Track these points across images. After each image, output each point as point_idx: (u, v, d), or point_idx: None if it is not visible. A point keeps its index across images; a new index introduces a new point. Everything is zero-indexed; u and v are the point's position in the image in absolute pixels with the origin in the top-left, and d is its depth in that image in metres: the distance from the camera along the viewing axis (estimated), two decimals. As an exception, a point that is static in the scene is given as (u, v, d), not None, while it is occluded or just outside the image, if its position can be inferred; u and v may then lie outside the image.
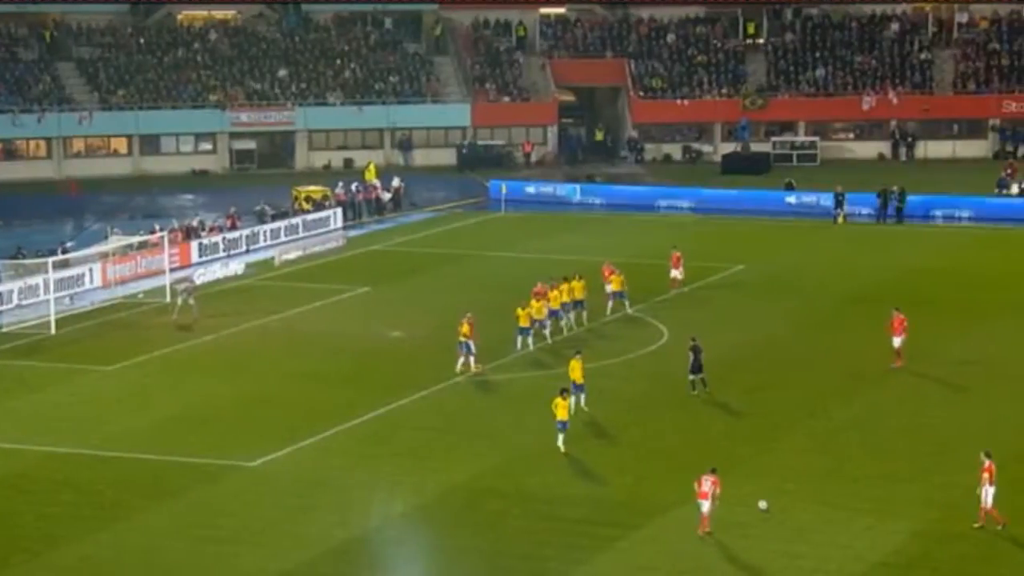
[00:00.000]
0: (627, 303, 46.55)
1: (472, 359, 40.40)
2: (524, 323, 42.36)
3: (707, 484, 29.87)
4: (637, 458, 34.12)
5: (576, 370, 37.46)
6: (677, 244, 51.96)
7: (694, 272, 53.11)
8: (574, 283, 45.29)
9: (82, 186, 73.15)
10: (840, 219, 65.27)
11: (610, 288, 46.55)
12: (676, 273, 50.40)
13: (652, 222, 67.43)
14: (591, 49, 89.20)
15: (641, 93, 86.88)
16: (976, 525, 29.49)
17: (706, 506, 29.70)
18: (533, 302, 43.12)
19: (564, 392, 34.93)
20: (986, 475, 29.47)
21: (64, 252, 52.76)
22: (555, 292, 44.43)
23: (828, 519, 30.31)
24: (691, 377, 38.50)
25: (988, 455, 29.82)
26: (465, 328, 40.32)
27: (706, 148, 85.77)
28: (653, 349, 42.95)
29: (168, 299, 50.09)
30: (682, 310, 48.11)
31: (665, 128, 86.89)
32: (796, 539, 29.37)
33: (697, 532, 29.70)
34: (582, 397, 36.97)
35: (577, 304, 45.02)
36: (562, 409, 34.30)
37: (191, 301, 47.36)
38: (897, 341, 40.80)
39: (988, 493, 29.39)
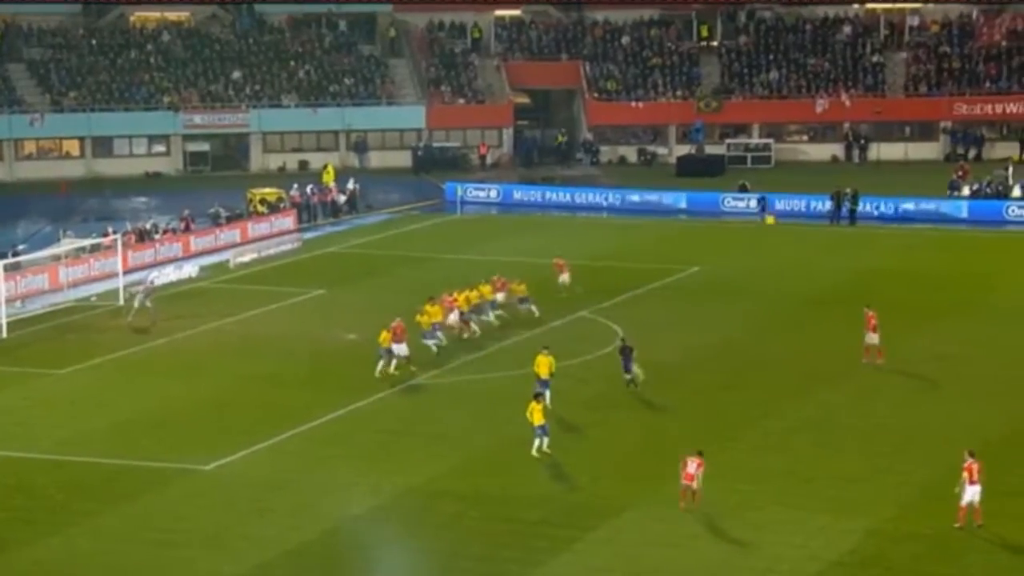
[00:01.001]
0: (533, 308, 46.49)
1: (396, 362, 40.03)
2: (427, 328, 42.22)
3: (692, 466, 30.22)
4: (594, 459, 34.15)
5: (543, 365, 37.49)
6: (561, 252, 51.98)
7: (650, 273, 53.32)
8: (482, 288, 45.67)
9: (72, 187, 72.28)
10: (840, 222, 65.02)
11: (499, 295, 46.32)
12: (565, 278, 50.19)
13: (606, 224, 67.62)
14: (546, 51, 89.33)
15: (596, 95, 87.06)
16: (956, 525, 29.52)
17: (693, 485, 30.22)
18: (428, 307, 42.75)
19: (539, 396, 34.85)
20: (966, 474, 29.60)
21: (15, 255, 52.24)
22: (461, 296, 44.64)
23: (783, 519, 30.45)
24: (626, 376, 38.95)
25: (972, 454, 29.96)
26: (383, 335, 40.13)
27: (661, 150, 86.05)
28: (609, 351, 42.99)
29: (122, 302, 49.74)
30: (638, 311, 48.23)
31: (620, 130, 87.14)
32: (751, 539, 29.47)
33: (680, 506, 30.17)
34: (547, 395, 36.98)
35: (493, 304, 45.58)
36: (538, 413, 34.08)
37: (148, 303, 47.05)
38: (873, 338, 41.12)
39: (971, 492, 29.44)
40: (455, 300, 44.55)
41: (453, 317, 43.85)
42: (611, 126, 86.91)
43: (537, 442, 34.05)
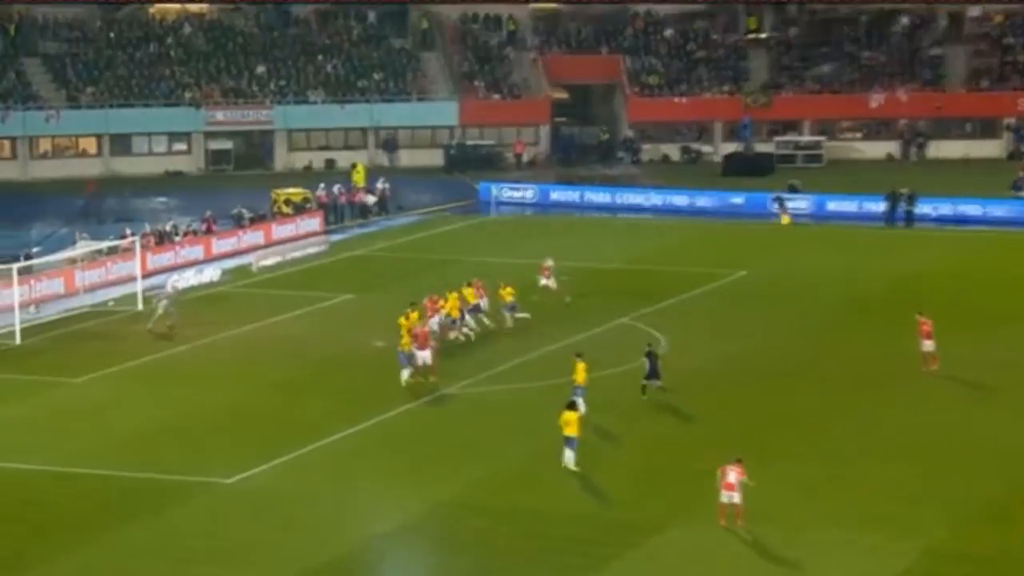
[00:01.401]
0: (512, 316, 46.63)
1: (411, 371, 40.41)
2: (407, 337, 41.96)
3: (732, 475, 30.17)
4: (631, 472, 34.27)
5: (580, 372, 37.70)
6: (550, 253, 52.13)
7: (693, 278, 53.43)
8: (464, 291, 46.01)
9: (100, 186, 72.87)
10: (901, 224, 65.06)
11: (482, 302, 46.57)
12: (550, 282, 50.36)
13: (648, 226, 67.74)
14: (585, 44, 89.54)
15: (637, 90, 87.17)
16: None
17: (734, 497, 30.02)
18: (411, 313, 43.00)
19: (573, 405, 34.96)
20: None
21: (28, 258, 52.76)
22: (444, 302, 44.92)
23: (831, 538, 30.44)
24: (643, 383, 39.12)
25: None
26: (404, 340, 40.45)
27: (706, 148, 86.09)
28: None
29: (140, 307, 50.23)
30: (680, 317, 48.34)
31: (663, 127, 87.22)
32: (798, 559, 29.49)
33: (719, 522, 30.06)
34: (580, 403, 37.17)
35: (474, 309, 45.81)
36: (570, 425, 34.04)
37: (172, 309, 47.47)
38: (928, 345, 41.09)
39: None
40: (440, 306, 44.58)
41: (433, 323, 43.64)
42: (653, 123, 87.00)
43: (568, 454, 34.16)
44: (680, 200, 71.56)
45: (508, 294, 47.12)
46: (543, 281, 50.57)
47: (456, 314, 45.11)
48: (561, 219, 69.37)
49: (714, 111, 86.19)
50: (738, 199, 70.22)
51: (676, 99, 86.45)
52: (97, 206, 70.12)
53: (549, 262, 50.90)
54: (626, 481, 33.74)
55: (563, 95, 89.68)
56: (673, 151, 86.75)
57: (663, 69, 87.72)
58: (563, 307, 49.65)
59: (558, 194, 74.40)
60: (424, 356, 40.69)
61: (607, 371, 40.85)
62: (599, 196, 73.24)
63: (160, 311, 47.22)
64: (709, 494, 31.10)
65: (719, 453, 32.75)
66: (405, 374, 40.48)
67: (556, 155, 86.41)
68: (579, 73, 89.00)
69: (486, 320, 46.21)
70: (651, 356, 39.69)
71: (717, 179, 78.17)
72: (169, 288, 49.51)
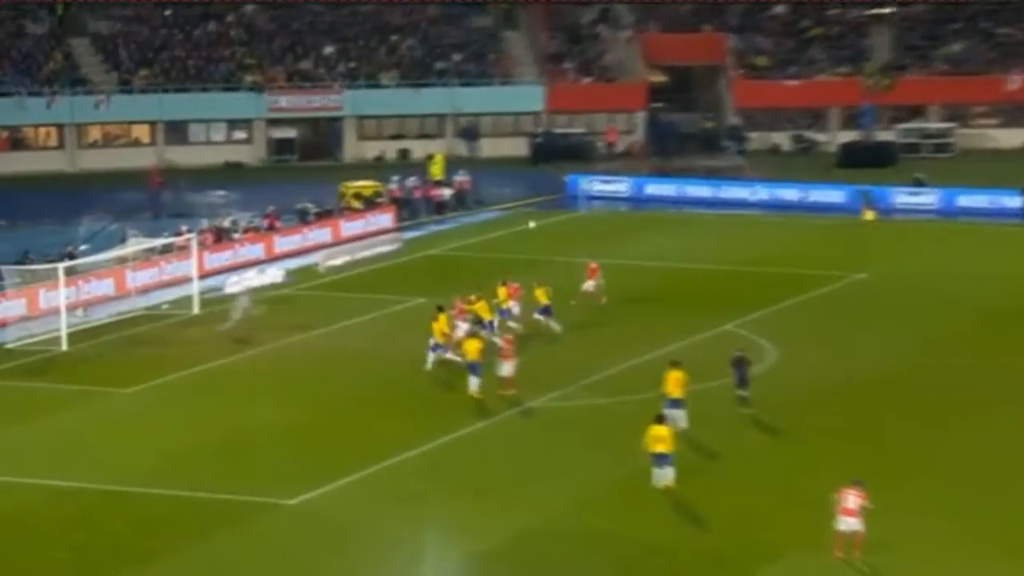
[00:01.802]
0: (551, 321, 46.88)
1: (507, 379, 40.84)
2: (440, 339, 42.95)
3: (852, 500, 29.90)
4: (736, 494, 34.11)
5: (673, 383, 37.56)
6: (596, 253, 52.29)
7: (806, 281, 53.08)
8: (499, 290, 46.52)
9: (166, 177, 73.72)
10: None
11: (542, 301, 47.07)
12: (589, 285, 50.30)
13: (755, 223, 67.43)
14: (686, 22, 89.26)
15: (744, 72, 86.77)
16: None
17: (854, 524, 29.77)
18: (442, 316, 43.65)
19: (660, 418, 34.88)
20: None
21: (72, 257, 53.36)
22: (480, 304, 45.34)
23: (962, 570, 30.08)
24: (739, 392, 39.25)
25: None
26: (471, 345, 40.65)
27: (820, 137, 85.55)
28: (759, 370, 42.91)
29: (196, 310, 50.75)
30: (790, 325, 48.07)
31: (772, 113, 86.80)
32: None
33: (835, 553, 29.78)
34: (680, 415, 37.04)
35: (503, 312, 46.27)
36: (662, 441, 33.90)
37: (253, 310, 47.82)
38: None
39: None
40: (471, 307, 44.84)
41: (461, 328, 44.03)
42: (761, 109, 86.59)
43: (659, 473, 34.05)
44: (790, 194, 71.15)
45: (543, 295, 47.21)
46: (587, 284, 50.30)
47: (489, 315, 45.20)
48: (658, 215, 69.18)
49: (830, 95, 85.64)
50: (854, 193, 69.77)
51: (787, 82, 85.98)
52: (161, 200, 70.96)
53: (595, 263, 50.80)
54: (727, 505, 33.55)
55: (661, 78, 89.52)
56: (783, 140, 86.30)
57: (773, 49, 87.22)
58: (659, 314, 49.51)
59: (654, 188, 74.29)
60: (507, 368, 40.76)
61: (707, 383, 40.68)
62: (700, 190, 73.04)
63: (239, 313, 47.53)
64: (824, 520, 30.82)
65: (832, 474, 32.47)
66: (474, 384, 40.55)
67: (653, 144, 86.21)
68: (679, 54, 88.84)
69: (512, 324, 46.25)
70: (739, 363, 39.66)
71: (832, 171, 77.57)
72: (239, 288, 49.84)
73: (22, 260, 53.24)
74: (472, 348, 41.00)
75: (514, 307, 47.05)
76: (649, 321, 48.95)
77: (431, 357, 42.90)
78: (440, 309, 44.24)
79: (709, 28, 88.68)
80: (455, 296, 46.34)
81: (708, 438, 37.46)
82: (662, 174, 78.10)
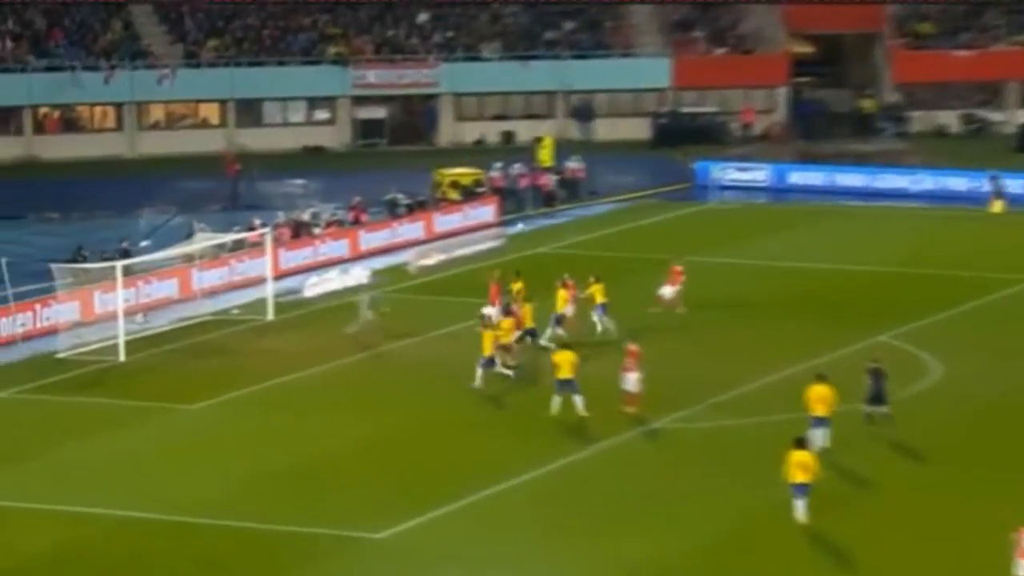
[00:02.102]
0: (603, 321, 47.61)
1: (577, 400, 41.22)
2: (489, 351, 43.41)
3: None
4: (890, 529, 33.92)
5: (817, 399, 37.44)
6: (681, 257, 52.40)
7: (976, 284, 52.58)
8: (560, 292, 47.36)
9: (244, 163, 74.74)
10: None
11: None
12: (667, 290, 50.38)
13: (917, 217, 66.92)
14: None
15: (905, 42, 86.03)
16: None
17: None
18: (503, 322, 44.64)
19: (800, 442, 34.78)
20: None
21: (128, 254, 53.93)
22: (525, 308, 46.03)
23: None
24: (867, 409, 39.16)
25: None
26: (564, 357, 40.97)
27: (996, 116, 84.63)
28: (922, 388, 42.66)
29: (271, 315, 51.23)
30: (958, 337, 47.64)
31: (938, 89, 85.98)
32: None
33: None
34: (821, 435, 36.89)
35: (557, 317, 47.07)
36: (803, 469, 33.85)
37: (382, 310, 48.03)
38: None
39: None
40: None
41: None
42: (925, 84, 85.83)
43: (801, 506, 33.92)
44: (958, 183, 70.49)
45: (599, 293, 47.53)
46: (665, 289, 50.38)
47: (530, 322, 45.98)
48: (802, 208, 68.81)
49: (1007, 68, 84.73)
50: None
51: (956, 52, 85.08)
52: (239, 190, 71.74)
53: (680, 267, 50.65)
54: (879, 541, 33.35)
55: (807, 49, 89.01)
56: (951, 120, 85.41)
57: (939, 14, 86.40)
58: (801, 322, 49.28)
59: (799, 176, 73.91)
60: (631, 380, 40.79)
61: (857, 404, 40.43)
62: (852, 178, 72.65)
63: (366, 312, 47.71)
64: (994, 563, 30.55)
65: (1003, 509, 32.17)
66: (555, 403, 40.96)
67: (797, 126, 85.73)
68: (828, 21, 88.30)
69: (559, 332, 46.73)
70: (876, 374, 39.58)
71: (1011, 156, 76.70)
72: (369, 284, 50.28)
73: (75, 258, 53.94)
74: (564, 361, 41.04)
75: (569, 310, 47.36)
76: (789, 331, 48.73)
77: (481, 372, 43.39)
78: (508, 313, 45.06)
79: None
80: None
81: (857, 462, 37.27)
82: (807, 160, 77.64)
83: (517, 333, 45.44)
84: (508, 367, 43.92)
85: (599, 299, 48.16)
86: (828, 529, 33.75)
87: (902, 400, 41.37)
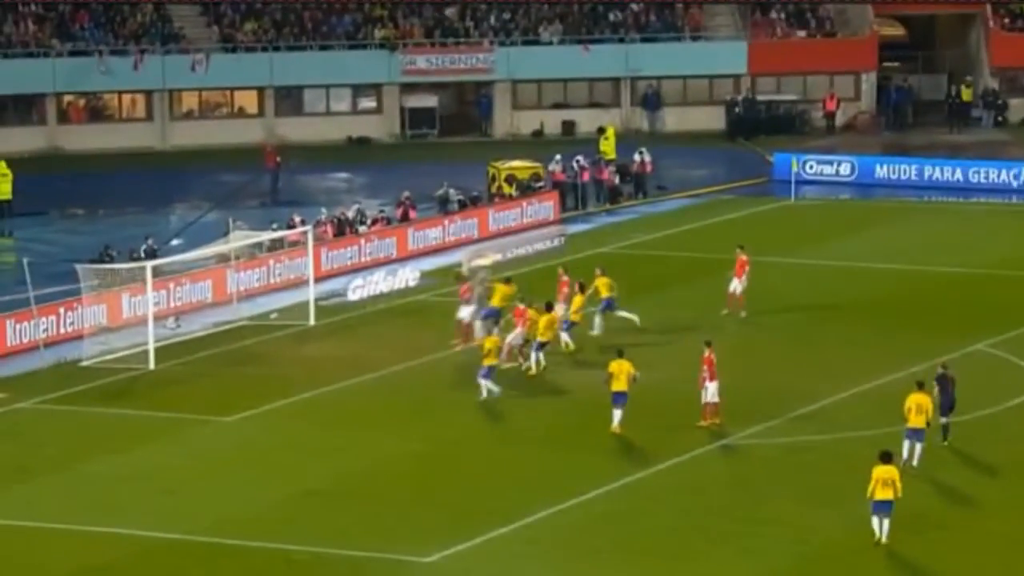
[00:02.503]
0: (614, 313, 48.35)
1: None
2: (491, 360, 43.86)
3: None
4: (995, 551, 33.76)
5: (916, 411, 37.60)
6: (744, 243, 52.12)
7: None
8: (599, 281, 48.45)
9: (286, 154, 75.15)
10: None
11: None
12: (736, 285, 50.17)
13: (1019, 214, 66.62)
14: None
15: (1007, 23, 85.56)
16: None
17: None
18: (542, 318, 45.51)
19: (886, 457, 34.70)
20: None
21: (154, 253, 54.17)
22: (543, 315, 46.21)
23: None
24: (942, 420, 39.36)
25: None
26: (620, 367, 41.26)
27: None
28: (1021, 401, 42.47)
29: (312, 320, 51.34)
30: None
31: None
32: None
33: None
34: (918, 449, 36.89)
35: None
36: (887, 486, 33.83)
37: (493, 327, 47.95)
38: None
39: None
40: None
41: (513, 337, 45.33)
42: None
43: (879, 523, 33.96)
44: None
45: (605, 287, 48.07)
46: (734, 285, 50.30)
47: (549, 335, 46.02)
48: (890, 204, 68.51)
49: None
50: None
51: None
52: (279, 184, 72.01)
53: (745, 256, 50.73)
54: (970, 566, 33.19)
55: (897, 31, 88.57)
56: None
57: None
58: (890, 330, 49.13)
59: (886, 169, 73.53)
60: (710, 390, 40.71)
61: (962, 416, 40.29)
62: (946, 172, 72.14)
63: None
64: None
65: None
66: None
67: (885, 115, 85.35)
68: (920, 1, 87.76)
69: (566, 339, 46.93)
70: (944, 381, 39.63)
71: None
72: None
73: (101, 257, 54.22)
74: (621, 371, 41.03)
75: (560, 308, 47.77)
76: (876, 338, 48.48)
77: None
78: (549, 308, 46.17)
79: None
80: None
81: (957, 478, 37.15)
82: (896, 153, 77.27)
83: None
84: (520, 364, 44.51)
85: (604, 293, 48.41)
86: (913, 552, 33.65)
87: (997, 414, 41.16)
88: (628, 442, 40.71)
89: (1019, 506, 36.52)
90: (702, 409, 41.07)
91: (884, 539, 33.89)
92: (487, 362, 43.69)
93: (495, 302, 48.76)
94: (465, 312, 47.95)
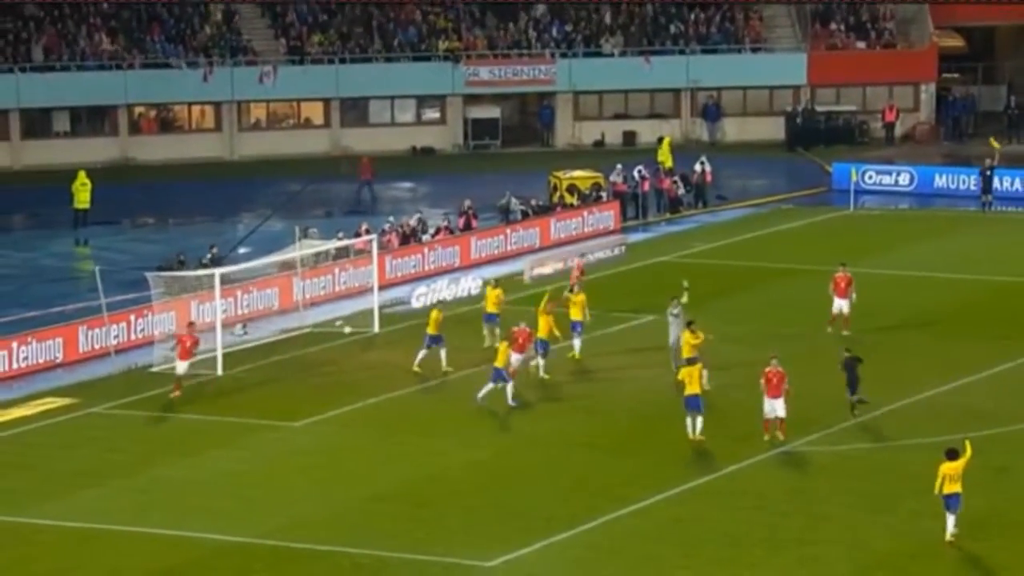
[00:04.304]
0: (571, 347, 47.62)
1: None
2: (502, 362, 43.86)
3: None
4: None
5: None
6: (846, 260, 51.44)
7: None
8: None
9: (349, 165, 75.14)
10: None
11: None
12: (841, 304, 49.52)
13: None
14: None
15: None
16: None
17: None
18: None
19: (952, 454, 34.73)
20: None
21: (212, 261, 54.39)
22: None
23: None
24: (853, 398, 41.80)
25: None
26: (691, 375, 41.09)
27: None
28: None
29: (377, 328, 51.58)
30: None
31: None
32: None
33: None
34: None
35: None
36: (953, 481, 34.08)
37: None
38: None
39: None
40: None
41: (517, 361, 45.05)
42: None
43: (949, 518, 34.14)
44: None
45: (577, 308, 47.79)
46: (838, 305, 49.73)
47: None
48: (950, 214, 68.23)
49: None
50: None
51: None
52: (372, 194, 72.37)
53: (846, 273, 50.10)
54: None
55: (957, 42, 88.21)
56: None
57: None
58: (949, 338, 49.03)
59: (946, 179, 73.25)
60: (776, 405, 40.52)
61: (1007, 427, 40.17)
62: (1006, 182, 71.74)
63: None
64: None
65: None
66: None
67: (945, 126, 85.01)
68: (981, 12, 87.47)
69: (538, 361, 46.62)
70: (850, 363, 41.55)
71: None
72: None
73: (174, 265, 54.56)
74: (692, 376, 41.01)
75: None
76: (934, 347, 48.34)
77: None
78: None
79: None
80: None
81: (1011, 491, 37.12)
82: (956, 163, 76.94)
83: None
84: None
85: (576, 316, 47.67)
86: (982, 553, 33.58)
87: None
88: (688, 449, 40.71)
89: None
90: (764, 423, 40.88)
91: (952, 532, 34.10)
92: (499, 364, 43.90)
93: (489, 307, 48.81)
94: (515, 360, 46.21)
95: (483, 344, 48.55)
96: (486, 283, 51.44)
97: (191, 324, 44.84)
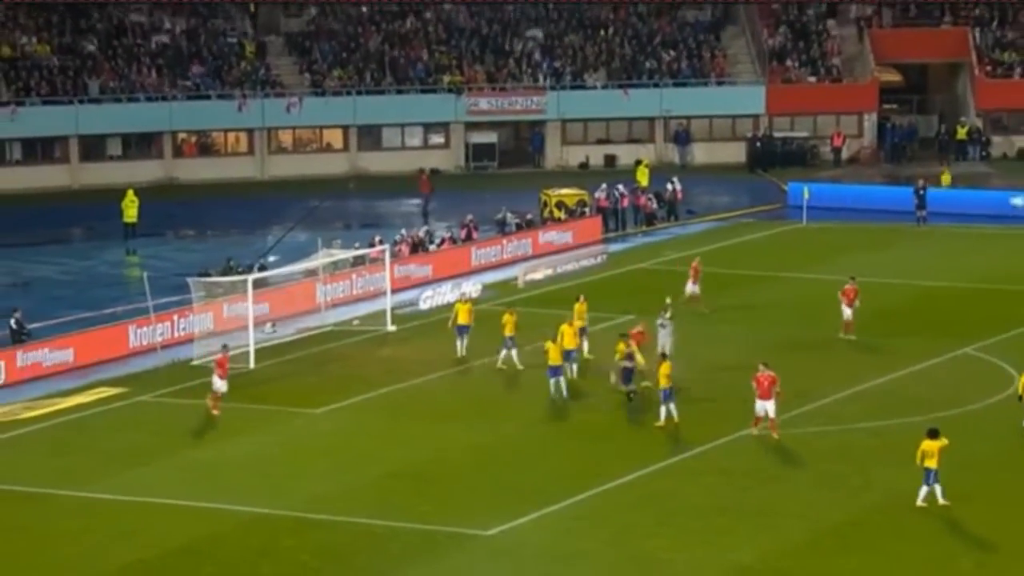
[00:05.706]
0: (512, 355, 46.29)
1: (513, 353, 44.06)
2: (555, 360, 43.29)
3: None
4: (983, 536, 33.56)
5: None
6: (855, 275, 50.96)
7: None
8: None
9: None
10: None
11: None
12: (847, 312, 49.16)
13: (1000, 236, 66.12)
14: (924, 16, 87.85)
15: (989, 71, 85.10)
16: None
17: None
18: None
19: (933, 433, 34.71)
20: None
21: (264, 270, 54.52)
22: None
23: None
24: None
25: None
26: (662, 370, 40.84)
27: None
28: (1001, 399, 42.13)
29: (390, 326, 51.44)
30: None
31: (1021, 116, 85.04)
32: None
33: None
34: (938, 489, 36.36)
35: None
36: (931, 457, 34.22)
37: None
38: None
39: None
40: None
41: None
42: (1008, 111, 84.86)
43: (926, 490, 34.23)
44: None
45: (510, 323, 46.45)
46: (847, 314, 49.17)
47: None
48: (889, 228, 68.16)
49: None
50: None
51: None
52: (429, 207, 72.18)
53: (853, 284, 49.77)
54: (974, 547, 32.93)
55: (895, 77, 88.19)
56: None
57: (1022, 43, 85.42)
58: (888, 334, 48.91)
59: (885, 197, 73.10)
60: (767, 407, 39.89)
61: (947, 411, 40.03)
62: (938, 200, 71.56)
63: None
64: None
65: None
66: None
67: (884, 150, 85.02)
68: (916, 50, 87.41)
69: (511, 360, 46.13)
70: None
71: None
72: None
73: (224, 269, 54.82)
74: (663, 372, 40.83)
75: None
76: (877, 343, 48.28)
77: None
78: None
79: (949, 21, 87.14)
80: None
81: (950, 474, 37.02)
82: (895, 182, 76.88)
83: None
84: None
85: (508, 331, 46.41)
86: (917, 523, 33.40)
87: (978, 410, 40.83)
88: (662, 433, 40.62)
89: (992, 497, 36.14)
90: (755, 419, 40.36)
91: (941, 501, 34.24)
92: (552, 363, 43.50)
93: (461, 319, 47.67)
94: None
95: (456, 355, 47.78)
96: (458, 300, 50.53)
97: (225, 347, 44.66)
